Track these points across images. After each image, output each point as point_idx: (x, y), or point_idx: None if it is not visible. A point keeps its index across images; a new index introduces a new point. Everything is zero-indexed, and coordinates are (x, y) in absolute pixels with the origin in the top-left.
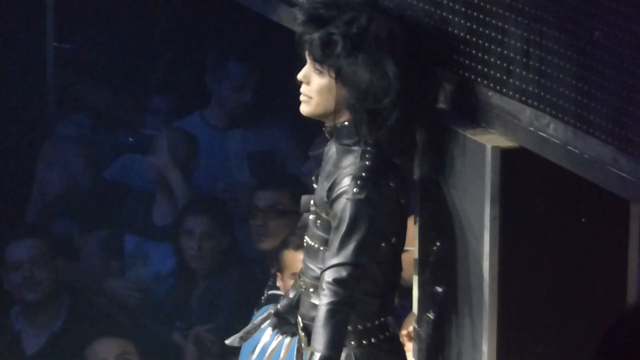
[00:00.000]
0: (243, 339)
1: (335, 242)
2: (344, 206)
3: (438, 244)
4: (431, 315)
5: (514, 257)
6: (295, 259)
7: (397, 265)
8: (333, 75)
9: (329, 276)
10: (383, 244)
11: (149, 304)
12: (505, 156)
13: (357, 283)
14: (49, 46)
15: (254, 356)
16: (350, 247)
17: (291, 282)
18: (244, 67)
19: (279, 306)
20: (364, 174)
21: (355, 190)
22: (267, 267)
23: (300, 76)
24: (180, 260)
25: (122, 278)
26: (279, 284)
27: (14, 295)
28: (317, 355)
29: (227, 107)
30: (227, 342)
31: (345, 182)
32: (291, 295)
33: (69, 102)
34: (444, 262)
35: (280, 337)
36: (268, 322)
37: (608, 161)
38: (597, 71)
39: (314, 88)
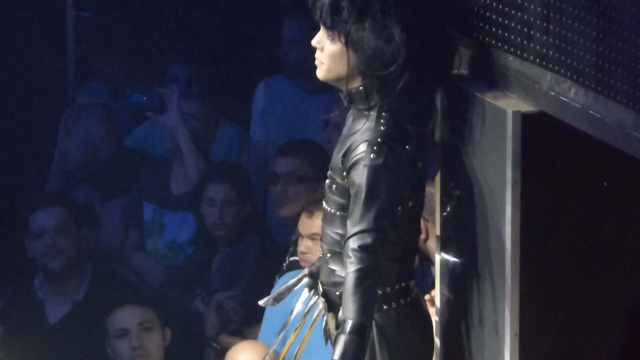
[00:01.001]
0: (277, 300)
1: (357, 209)
2: (361, 172)
3: (457, 207)
4: (449, 293)
5: (536, 221)
6: (311, 223)
7: (416, 229)
8: (343, 41)
9: (353, 243)
10: (400, 208)
11: (169, 272)
12: (526, 121)
13: (382, 248)
14: (68, 15)
15: (293, 316)
16: (372, 213)
17: (310, 244)
18: (299, 22)
19: (313, 267)
20: (379, 139)
21: (372, 156)
22: (288, 234)
23: (314, 42)
24: (201, 227)
25: (142, 248)
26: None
27: (37, 264)
28: (349, 322)
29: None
30: (260, 302)
31: (362, 148)
32: (322, 252)
33: (88, 71)
34: (465, 227)
35: (316, 297)
36: (303, 282)
37: (629, 125)
38: (617, 35)
39: (327, 54)
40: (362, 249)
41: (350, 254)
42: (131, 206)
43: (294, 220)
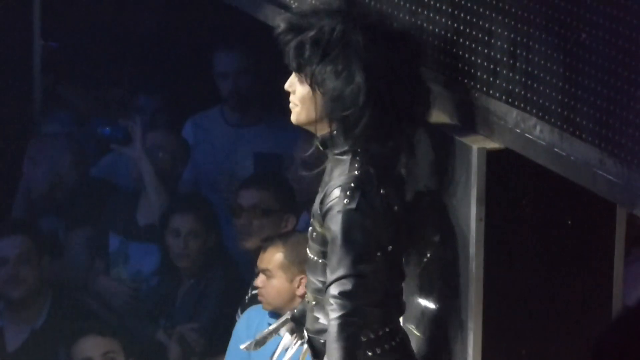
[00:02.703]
0: (259, 344)
1: (334, 256)
2: (336, 219)
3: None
4: (418, 333)
5: (500, 258)
6: (263, 257)
7: (398, 273)
8: (309, 82)
9: (334, 290)
10: (379, 254)
11: (133, 302)
12: (491, 158)
13: (363, 293)
14: (36, 44)
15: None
16: (349, 259)
17: (263, 278)
18: (228, 53)
19: (295, 310)
20: (352, 183)
21: (345, 201)
22: (252, 266)
23: (286, 86)
24: (166, 259)
25: (107, 277)
26: None
27: None
28: None
29: (225, 98)
30: (242, 347)
31: (335, 194)
32: (307, 299)
33: (55, 100)
34: (433, 261)
35: (299, 341)
36: (285, 327)
37: (594, 163)
38: (583, 73)
39: (298, 97)
40: (342, 295)
41: (331, 301)
42: (97, 236)
43: (258, 252)
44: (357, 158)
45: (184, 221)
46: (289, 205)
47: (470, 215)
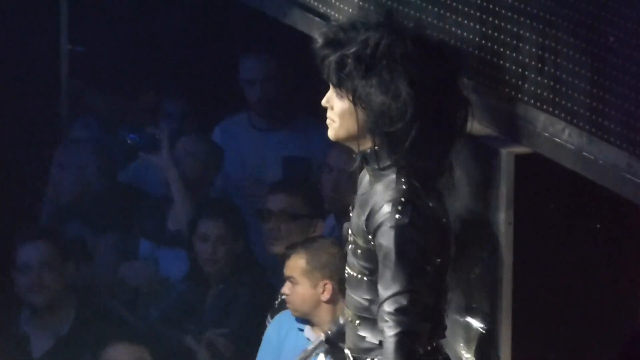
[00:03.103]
0: None
1: (387, 272)
2: (388, 234)
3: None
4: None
5: (530, 262)
6: (287, 265)
7: (444, 287)
8: (350, 98)
9: (389, 307)
10: (428, 267)
11: (162, 308)
12: (520, 162)
13: (418, 308)
14: (63, 49)
15: None
16: (404, 274)
17: (294, 286)
18: (255, 60)
19: (329, 332)
20: (402, 198)
21: (397, 216)
22: (280, 271)
23: (323, 101)
24: (194, 264)
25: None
26: None
27: (21, 299)
28: None
29: (251, 104)
30: None
31: (386, 210)
32: (341, 321)
33: (82, 105)
34: (461, 268)
35: None
36: (320, 348)
37: (622, 167)
38: (611, 77)
39: (337, 112)
40: (398, 311)
41: (386, 318)
42: (126, 242)
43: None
44: (403, 172)
45: (212, 226)
46: (317, 210)
47: (499, 219)
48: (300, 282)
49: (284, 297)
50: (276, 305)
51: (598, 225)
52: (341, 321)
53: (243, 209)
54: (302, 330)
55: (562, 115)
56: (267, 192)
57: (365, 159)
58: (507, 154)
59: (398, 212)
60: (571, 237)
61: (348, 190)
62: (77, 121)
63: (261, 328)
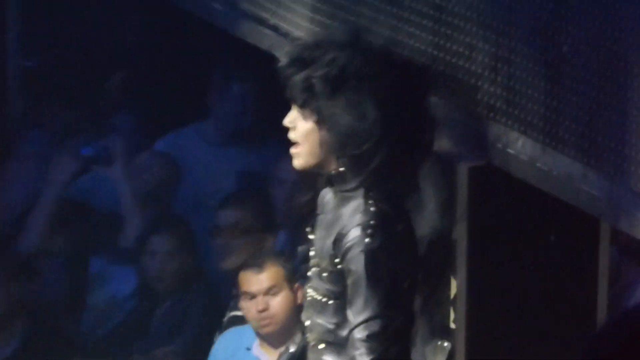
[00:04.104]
0: None
1: (358, 297)
2: (358, 259)
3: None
4: None
5: (484, 275)
6: (247, 279)
7: (411, 310)
8: (315, 119)
9: (360, 333)
10: (399, 291)
11: (109, 326)
12: (474, 174)
13: (390, 334)
14: (10, 63)
15: None
16: (375, 299)
17: (245, 303)
18: (246, 89)
19: (285, 356)
20: (372, 221)
21: (367, 240)
22: (231, 287)
23: (286, 121)
24: (143, 281)
25: (84, 302)
26: (240, 305)
27: None
28: None
29: (227, 128)
30: None
31: (354, 234)
32: (292, 349)
33: (30, 120)
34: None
35: None
36: None
37: (577, 178)
38: (565, 86)
39: (300, 133)
40: (370, 338)
41: (358, 345)
42: (76, 259)
43: (237, 273)
44: (370, 194)
45: (160, 242)
46: (268, 225)
47: (455, 234)
48: (284, 288)
49: (233, 313)
50: (224, 323)
51: (552, 238)
52: (292, 350)
53: (195, 223)
54: (249, 349)
55: (516, 125)
56: (217, 207)
57: (330, 181)
58: (461, 166)
59: (367, 235)
60: (526, 249)
61: (301, 203)
62: (24, 136)
63: (211, 346)
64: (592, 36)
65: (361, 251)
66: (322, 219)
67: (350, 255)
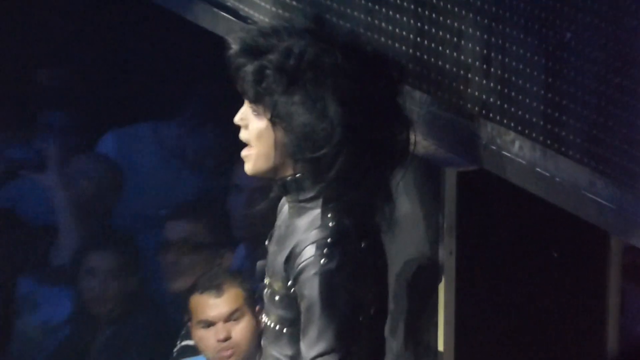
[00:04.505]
0: None
1: (312, 327)
2: (312, 282)
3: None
4: None
5: (474, 299)
6: (203, 304)
7: (380, 341)
8: (269, 116)
9: None
10: (361, 319)
11: (41, 358)
12: (463, 180)
13: None
14: None
15: None
16: (330, 331)
17: (201, 332)
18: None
19: None
20: (329, 238)
21: (322, 260)
22: (182, 313)
23: (236, 119)
24: (80, 304)
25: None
26: (193, 334)
27: None
28: None
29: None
30: None
31: (309, 252)
32: None
33: None
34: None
35: None
36: None
37: (583, 185)
38: (569, 79)
39: (253, 133)
40: None
41: None
42: (1, 279)
43: (188, 295)
44: (330, 206)
45: (100, 259)
46: (224, 238)
47: (438, 248)
48: (247, 312)
49: (184, 343)
50: (174, 354)
51: (555, 254)
52: None
53: (140, 239)
54: None
55: (512, 124)
56: (166, 219)
57: (284, 188)
58: (448, 171)
59: (324, 255)
60: (524, 267)
61: (263, 213)
62: None
63: None
64: (599, 21)
65: (315, 273)
66: (277, 232)
67: (303, 277)
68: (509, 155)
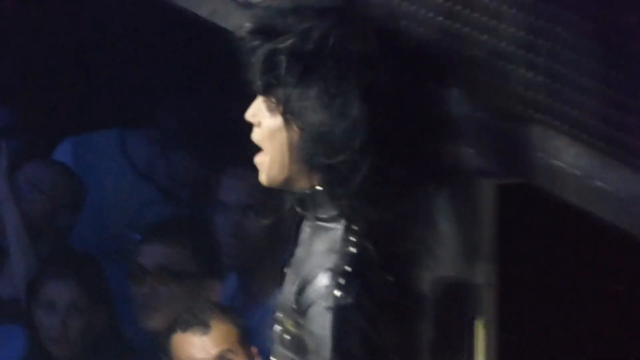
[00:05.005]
0: None
1: None
2: (323, 318)
3: None
4: None
5: (518, 341)
6: (187, 344)
7: None
8: (281, 111)
9: None
10: None
11: None
12: (503, 195)
13: None
14: None
15: None
16: None
17: None
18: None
19: None
20: (348, 266)
21: (338, 293)
22: (160, 354)
23: (248, 115)
24: (35, 344)
25: None
26: None
27: None
28: None
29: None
30: None
31: (322, 282)
32: None
33: None
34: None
35: None
36: None
37: None
38: (635, 73)
39: (265, 133)
40: None
41: None
42: None
43: (168, 335)
44: (352, 228)
45: (61, 290)
46: (211, 266)
47: (474, 276)
48: (239, 352)
49: None
50: None
51: (617, 287)
52: None
53: (108, 266)
54: None
55: (565, 128)
56: (139, 242)
57: (300, 204)
58: (487, 184)
59: (339, 286)
60: (576, 299)
61: (257, 235)
62: None
63: None
64: None
65: (327, 307)
66: (296, 257)
67: (313, 311)
68: (560, 165)
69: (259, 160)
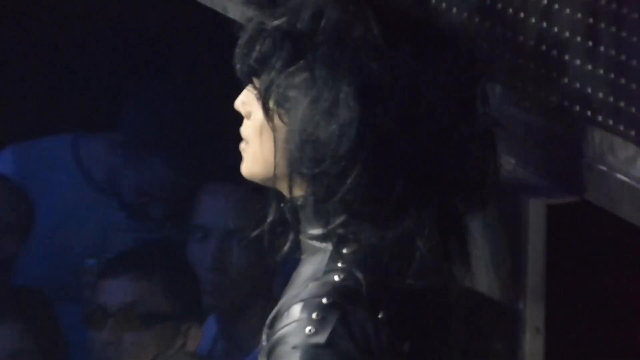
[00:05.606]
0: None
1: None
2: (288, 359)
3: None
4: None
5: None
6: None
7: None
8: (263, 101)
9: None
10: None
11: None
12: (555, 215)
13: None
14: None
15: None
16: None
17: None
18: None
19: None
20: (325, 299)
21: (308, 329)
22: None
23: (237, 102)
24: None
25: None
26: None
27: None
28: None
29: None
30: None
31: (294, 314)
32: None
33: None
34: None
35: None
36: None
37: None
38: None
39: (253, 125)
40: None
41: None
42: None
43: None
44: (344, 251)
45: (1, 336)
46: (188, 307)
47: (520, 316)
48: None
49: None
50: None
51: None
52: None
53: (61, 305)
54: None
55: (632, 133)
56: (98, 275)
57: (291, 215)
58: (534, 204)
59: (311, 322)
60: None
61: (243, 267)
62: None
63: None
64: None
65: (294, 347)
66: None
67: (279, 351)
68: (626, 179)
69: (243, 147)
